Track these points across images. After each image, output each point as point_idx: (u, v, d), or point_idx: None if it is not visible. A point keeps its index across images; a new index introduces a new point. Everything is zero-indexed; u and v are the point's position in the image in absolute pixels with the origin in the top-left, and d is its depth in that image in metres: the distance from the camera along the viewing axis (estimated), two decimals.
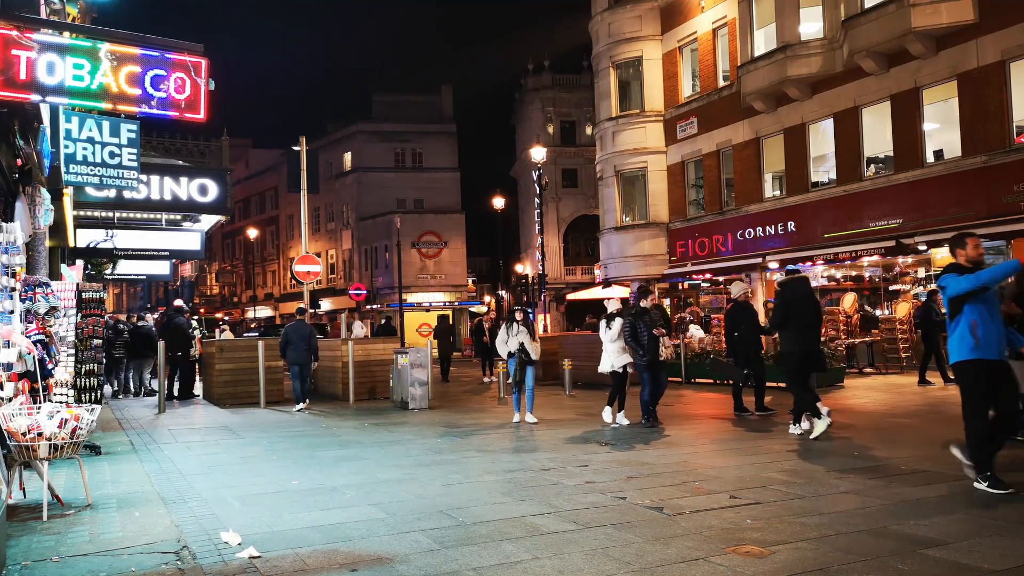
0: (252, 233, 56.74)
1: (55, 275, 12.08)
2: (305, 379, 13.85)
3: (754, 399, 11.36)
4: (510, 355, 11.07)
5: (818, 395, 9.44)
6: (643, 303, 10.66)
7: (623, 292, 28.41)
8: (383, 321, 26.57)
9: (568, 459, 8.00)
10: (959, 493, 6.14)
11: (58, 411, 6.02)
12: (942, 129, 18.45)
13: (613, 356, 10.76)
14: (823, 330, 15.51)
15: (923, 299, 16.27)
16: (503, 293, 52.18)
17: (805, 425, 9.19)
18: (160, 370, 14.43)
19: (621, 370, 10.72)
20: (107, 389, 17.87)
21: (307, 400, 13.80)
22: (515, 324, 11.05)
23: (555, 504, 6.00)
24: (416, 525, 5.47)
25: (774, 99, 21.88)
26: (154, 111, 7.48)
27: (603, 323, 10.96)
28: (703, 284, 25.27)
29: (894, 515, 5.49)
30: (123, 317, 22.43)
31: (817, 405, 8.95)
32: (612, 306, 11.15)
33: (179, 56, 7.57)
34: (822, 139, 21.34)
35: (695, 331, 18.78)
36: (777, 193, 22.77)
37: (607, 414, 10.87)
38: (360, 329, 22.88)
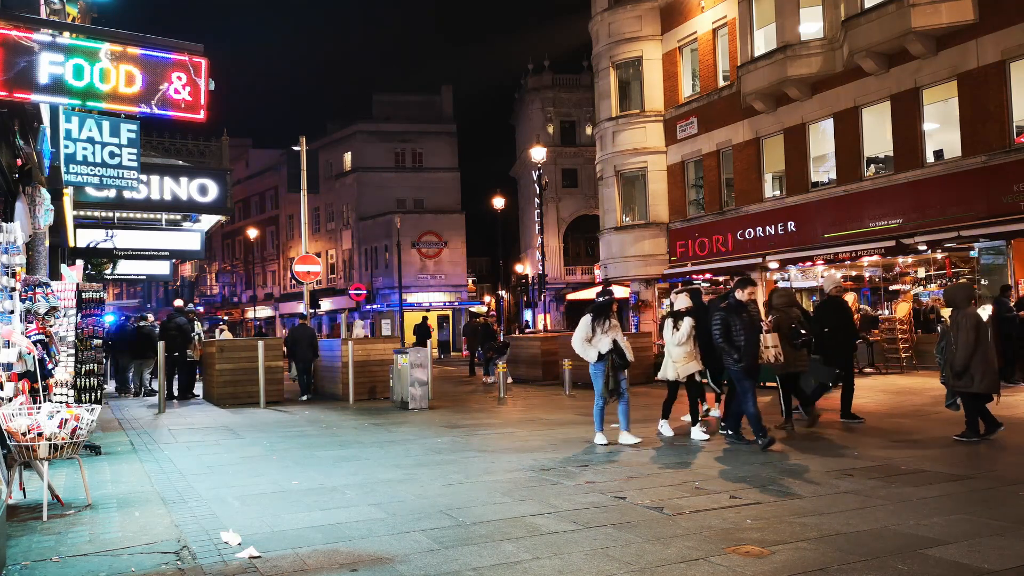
0: (252, 233, 56.74)
1: (55, 275, 12.07)
2: (309, 373, 15.74)
3: (839, 405, 10.19)
4: (600, 357, 8.90)
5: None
6: (739, 295, 8.79)
7: (623, 292, 28.42)
8: (421, 320, 26.56)
9: (568, 459, 8.00)
10: (959, 493, 6.14)
11: (58, 411, 6.02)
12: (942, 129, 18.44)
13: (680, 362, 9.22)
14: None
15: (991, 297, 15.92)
16: (503, 293, 52.19)
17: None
18: (160, 370, 14.43)
19: (686, 379, 9.33)
20: (109, 386, 17.93)
21: (311, 393, 15.47)
22: (607, 319, 8.97)
23: (555, 504, 6.00)
24: (416, 525, 5.47)
25: (774, 99, 21.87)
26: (154, 111, 7.48)
27: (667, 322, 9.46)
28: (703, 284, 25.26)
29: (894, 515, 5.49)
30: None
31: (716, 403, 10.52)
32: (681, 302, 9.44)
33: (179, 56, 7.57)
34: (822, 139, 21.34)
35: None
36: (777, 193, 22.77)
37: (665, 427, 9.45)
38: (360, 329, 22.88)
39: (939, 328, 10.01)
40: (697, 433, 9.18)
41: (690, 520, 5.46)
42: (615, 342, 8.85)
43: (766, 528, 5.22)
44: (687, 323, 9.22)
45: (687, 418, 9.66)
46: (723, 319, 8.70)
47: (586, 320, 9.06)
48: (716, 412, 10.98)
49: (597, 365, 8.92)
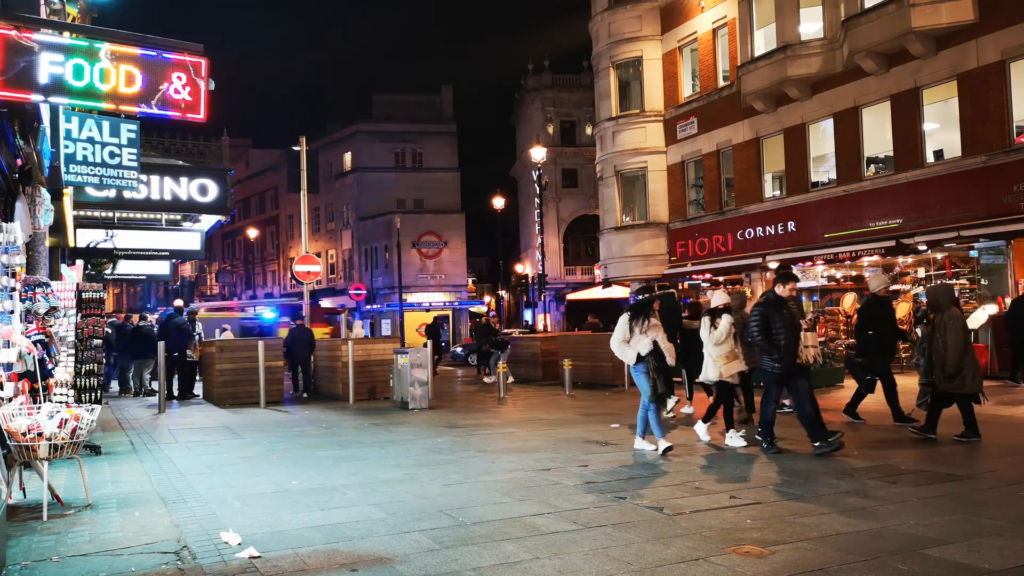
0: (252, 233, 56.76)
1: (55, 275, 12.07)
2: (308, 372, 16.44)
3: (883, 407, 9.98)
4: (639, 359, 8.26)
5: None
6: (780, 290, 8.18)
7: (623, 292, 28.41)
8: (432, 320, 26.61)
9: (568, 459, 7.99)
10: (959, 493, 6.14)
11: (58, 411, 6.02)
12: (942, 129, 18.45)
13: (720, 362, 8.69)
14: (823, 330, 16.61)
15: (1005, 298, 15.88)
16: (503, 293, 52.18)
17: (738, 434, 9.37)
18: (160, 370, 14.43)
19: (731, 379, 8.80)
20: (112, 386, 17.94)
21: (310, 392, 16.11)
22: (646, 318, 8.36)
23: (555, 504, 6.00)
24: (416, 525, 5.47)
25: (774, 99, 21.88)
26: (154, 111, 7.48)
27: (705, 320, 8.97)
28: (703, 284, 25.27)
29: (894, 515, 5.49)
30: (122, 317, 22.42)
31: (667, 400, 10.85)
32: (718, 299, 9.04)
33: (179, 56, 7.57)
34: (822, 139, 21.34)
35: None
36: (777, 193, 22.78)
37: (734, 437, 8.68)
38: (360, 329, 22.88)
39: (918, 330, 9.87)
40: (734, 439, 8.59)
41: (690, 520, 5.46)
42: (655, 343, 8.20)
43: (766, 528, 5.22)
44: (726, 320, 8.67)
45: (702, 425, 9.05)
46: (762, 315, 8.03)
47: (624, 320, 8.44)
48: (688, 409, 11.75)
49: (638, 367, 8.29)
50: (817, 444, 7.78)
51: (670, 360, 8.32)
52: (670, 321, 11.08)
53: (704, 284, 25.24)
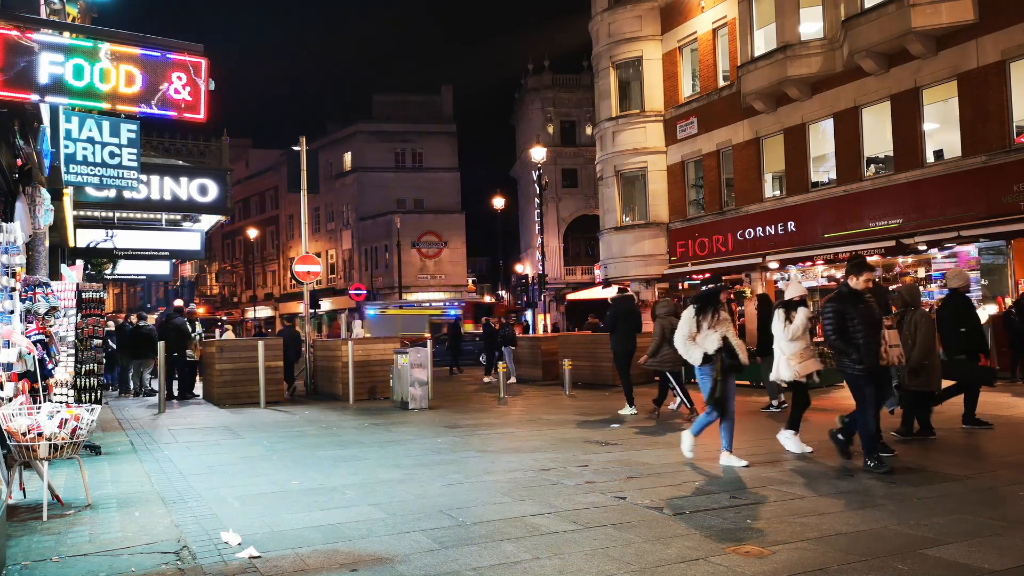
0: (252, 233, 56.77)
1: (55, 275, 12.07)
2: (291, 371, 16.80)
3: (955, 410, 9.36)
4: (706, 358, 7.52)
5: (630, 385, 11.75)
6: (854, 282, 7.27)
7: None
8: (455, 320, 26.66)
9: (568, 459, 7.99)
10: (959, 493, 6.13)
11: (58, 411, 6.02)
12: (942, 129, 18.45)
13: (795, 361, 7.90)
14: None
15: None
16: (503, 293, 52.19)
17: (672, 406, 11.65)
18: (160, 370, 14.43)
19: (806, 379, 8.04)
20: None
21: (295, 386, 16.93)
22: (715, 312, 7.63)
23: (555, 504, 6.00)
24: (416, 525, 5.47)
25: (774, 99, 21.88)
26: (154, 111, 7.48)
27: (778, 313, 8.08)
28: (703, 284, 25.27)
29: (894, 515, 5.48)
30: (123, 317, 22.42)
31: (631, 395, 11.63)
32: (792, 290, 8.23)
33: (179, 56, 7.57)
34: (822, 139, 21.34)
35: None
36: (777, 193, 22.77)
37: (791, 442, 8.03)
38: (360, 329, 22.86)
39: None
40: (795, 444, 7.98)
41: (690, 520, 5.46)
42: (725, 339, 7.46)
43: (766, 528, 5.22)
44: (802, 314, 7.85)
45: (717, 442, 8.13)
46: (836, 311, 7.15)
47: (689, 314, 7.66)
48: (674, 405, 12.02)
49: (703, 368, 7.55)
50: (870, 463, 6.98)
51: (743, 358, 7.51)
52: (630, 324, 12.21)
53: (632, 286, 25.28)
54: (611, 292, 28.62)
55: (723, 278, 23.71)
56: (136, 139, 9.91)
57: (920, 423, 8.64)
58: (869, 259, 19.26)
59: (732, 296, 8.21)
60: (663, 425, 10.60)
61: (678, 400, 12.01)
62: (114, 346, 17.53)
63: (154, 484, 7.13)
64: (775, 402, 11.76)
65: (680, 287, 26.61)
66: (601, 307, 31.38)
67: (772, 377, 8.28)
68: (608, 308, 13.14)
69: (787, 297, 8.15)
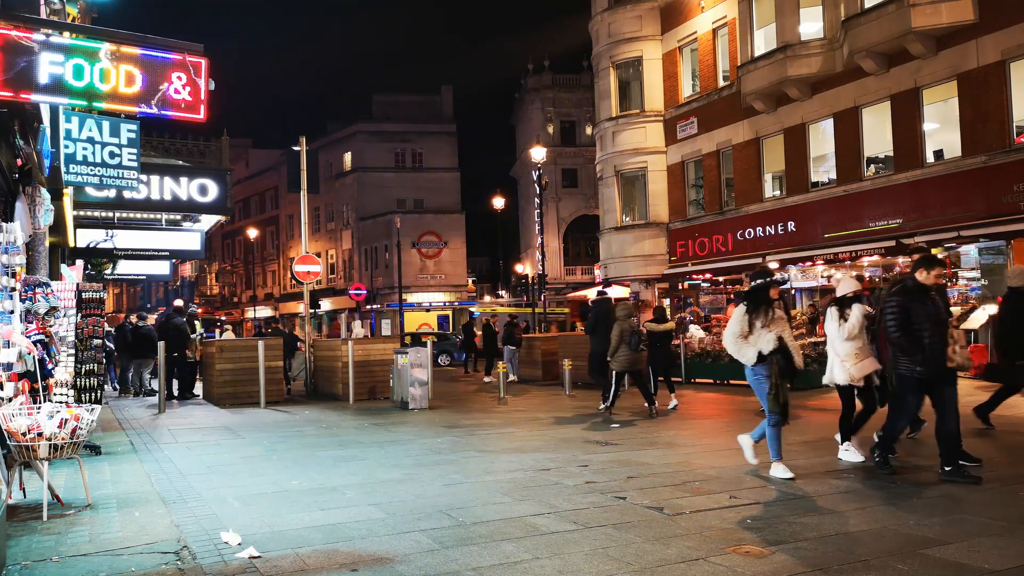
0: (252, 233, 56.77)
1: (55, 275, 12.07)
2: (287, 372, 17.35)
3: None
4: (759, 359, 6.89)
5: (610, 384, 11.93)
6: (922, 276, 6.67)
7: (623, 291, 28.37)
8: (486, 321, 22.88)
9: (568, 459, 7.99)
10: (959, 493, 6.13)
11: (58, 411, 6.02)
12: (942, 129, 18.44)
13: (850, 362, 7.33)
14: (823, 330, 16.66)
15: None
16: (503, 293, 52.20)
17: (672, 404, 12.14)
18: (160, 370, 14.43)
19: (862, 383, 7.45)
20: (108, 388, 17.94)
21: (292, 382, 17.60)
22: (769, 308, 6.98)
23: (555, 504, 6.00)
24: (416, 525, 5.47)
25: (774, 99, 21.87)
26: (154, 111, 7.48)
27: (831, 311, 7.53)
28: (703, 284, 25.27)
29: (894, 515, 5.49)
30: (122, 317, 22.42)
31: (608, 394, 11.91)
32: (846, 286, 7.61)
33: (179, 56, 7.56)
34: (822, 139, 21.34)
35: (695, 331, 18.76)
36: (777, 193, 22.77)
37: (849, 453, 7.52)
38: (360, 329, 22.87)
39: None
40: (850, 453, 7.48)
41: (690, 520, 5.46)
42: (780, 339, 6.86)
43: (766, 528, 5.22)
44: (857, 311, 7.28)
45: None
46: (900, 306, 6.58)
47: (740, 312, 7.05)
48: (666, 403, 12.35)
49: (756, 369, 6.96)
50: (948, 469, 6.50)
51: (798, 360, 6.96)
52: (609, 326, 12.31)
53: (704, 284, 25.25)
54: (611, 292, 28.70)
55: (723, 278, 23.79)
56: (136, 139, 9.91)
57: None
58: (869, 259, 19.29)
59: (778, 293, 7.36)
60: (663, 425, 10.60)
61: (673, 401, 12.35)
62: (111, 346, 17.52)
63: (154, 484, 7.13)
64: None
65: (680, 287, 26.63)
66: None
67: (825, 380, 7.75)
68: (589, 310, 13.63)
69: (839, 294, 7.56)
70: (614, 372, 11.83)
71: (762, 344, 6.82)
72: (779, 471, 6.83)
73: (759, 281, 7.07)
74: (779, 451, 6.92)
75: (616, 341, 11.58)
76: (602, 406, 11.96)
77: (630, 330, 11.50)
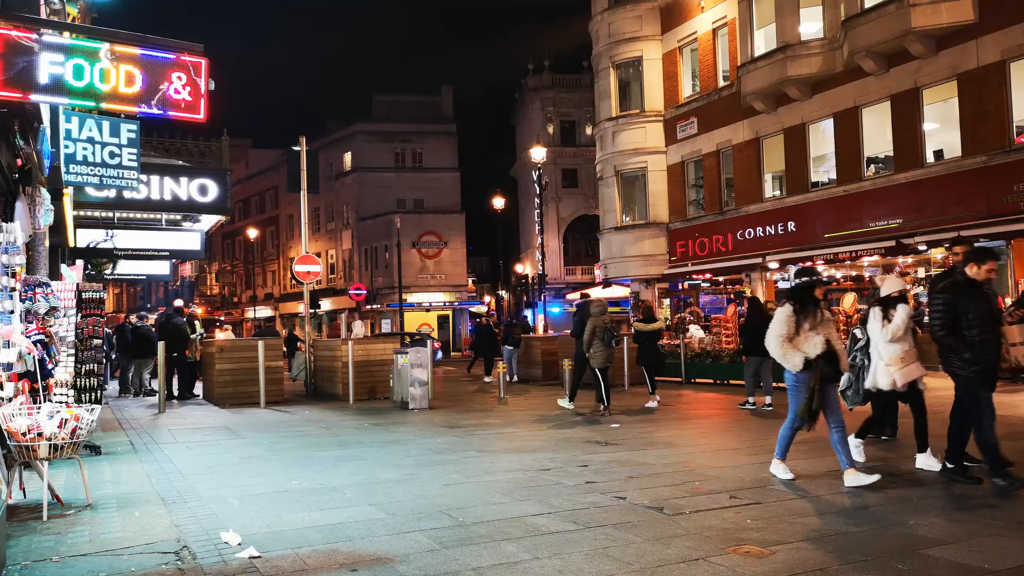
0: (252, 233, 56.76)
1: (55, 275, 12.07)
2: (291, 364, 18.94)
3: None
4: (807, 364, 6.39)
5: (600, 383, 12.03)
6: (973, 271, 6.33)
7: (623, 292, 28.39)
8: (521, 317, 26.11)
9: (568, 459, 7.99)
10: (959, 493, 6.13)
11: (58, 411, 6.01)
12: (942, 129, 18.45)
13: (895, 366, 6.93)
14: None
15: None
16: (503, 293, 52.20)
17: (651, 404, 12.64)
18: (160, 370, 14.43)
19: (905, 388, 7.05)
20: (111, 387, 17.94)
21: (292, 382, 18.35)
22: (817, 309, 6.55)
23: (555, 504, 6.00)
24: (416, 525, 5.47)
25: (774, 99, 21.88)
26: (154, 111, 7.47)
27: (875, 311, 7.13)
28: (703, 284, 25.28)
29: (894, 515, 5.49)
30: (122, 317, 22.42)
31: (576, 391, 12.73)
32: (890, 285, 7.20)
33: (179, 56, 7.56)
34: (822, 139, 21.35)
35: (695, 331, 18.78)
36: (777, 193, 22.78)
37: (927, 459, 6.97)
38: (360, 329, 22.87)
39: (857, 332, 9.20)
40: (927, 460, 6.96)
41: (690, 520, 5.46)
42: (828, 343, 6.42)
43: (766, 528, 5.22)
44: (902, 311, 6.84)
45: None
46: (947, 302, 6.23)
47: (785, 312, 6.51)
48: (652, 404, 12.67)
49: (799, 376, 6.44)
50: (1001, 482, 6.10)
51: (844, 365, 6.59)
52: (583, 327, 12.60)
53: (704, 284, 25.26)
54: (611, 292, 28.70)
55: (723, 278, 23.78)
56: (136, 139, 9.90)
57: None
58: (869, 259, 19.29)
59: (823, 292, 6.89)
60: (663, 425, 10.60)
61: (654, 400, 12.69)
62: (108, 346, 17.52)
63: (154, 484, 7.13)
64: (751, 399, 12.06)
65: (680, 287, 26.64)
66: None
67: (867, 384, 7.21)
68: (574, 312, 13.98)
69: (884, 293, 7.13)
70: (596, 370, 11.98)
71: (810, 348, 6.40)
72: (779, 470, 6.80)
73: (804, 279, 6.66)
74: (785, 451, 6.81)
75: (589, 337, 11.92)
76: (602, 407, 12.04)
77: (603, 326, 11.87)
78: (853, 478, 6.33)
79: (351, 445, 9.36)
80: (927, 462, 6.93)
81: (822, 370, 6.34)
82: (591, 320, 12.04)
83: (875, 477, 6.33)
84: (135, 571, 4.58)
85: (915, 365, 7.00)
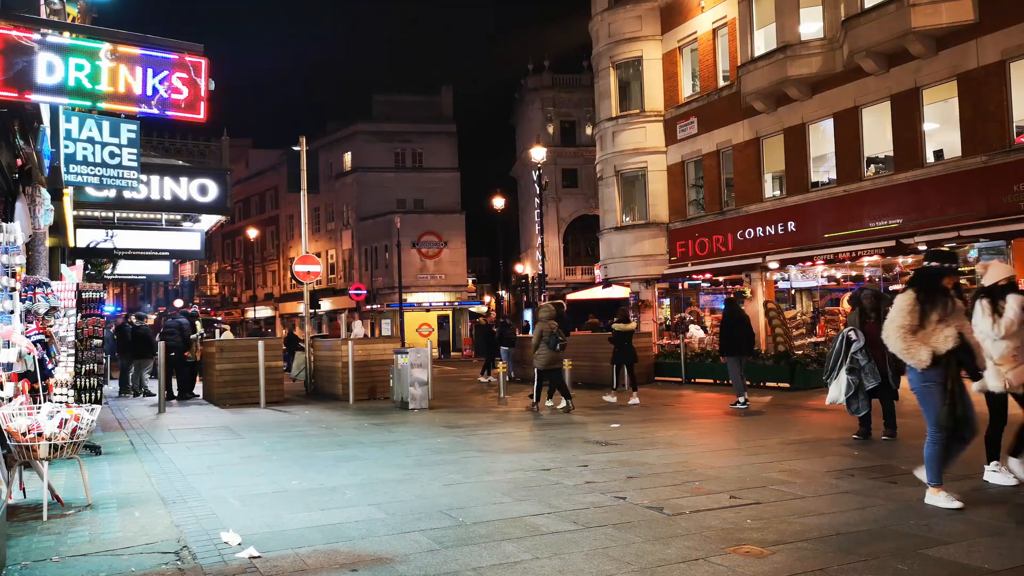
0: (252, 233, 56.75)
1: (55, 275, 12.07)
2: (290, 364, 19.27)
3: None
4: (934, 361, 5.59)
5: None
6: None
7: (623, 292, 28.38)
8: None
9: (568, 459, 7.99)
10: (959, 493, 6.13)
11: (58, 411, 6.02)
12: (942, 129, 18.44)
13: (1006, 366, 6.05)
14: (823, 330, 16.86)
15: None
16: (503, 293, 52.18)
17: (611, 398, 13.71)
18: (160, 370, 14.43)
19: (1002, 390, 6.13)
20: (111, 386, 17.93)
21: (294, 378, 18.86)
22: (946, 298, 5.71)
23: (555, 504, 6.00)
24: (416, 525, 5.47)
25: (774, 99, 21.86)
26: (154, 111, 7.48)
27: (982, 304, 6.16)
28: (703, 284, 25.27)
29: (894, 515, 5.48)
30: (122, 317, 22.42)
31: (543, 391, 12.97)
32: (994, 273, 6.26)
33: (179, 56, 7.56)
34: (822, 139, 21.33)
35: (695, 331, 18.78)
36: (777, 193, 22.76)
37: (999, 474, 6.28)
38: (360, 329, 22.87)
39: (852, 333, 8.89)
40: (999, 475, 6.31)
41: (690, 520, 5.46)
42: (961, 336, 5.61)
43: (766, 528, 5.22)
44: (1013, 303, 5.97)
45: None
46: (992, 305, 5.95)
47: (907, 300, 5.69)
48: (635, 400, 13.31)
49: (927, 374, 5.62)
50: None
51: (980, 361, 5.81)
52: (562, 325, 13.18)
53: (704, 284, 25.25)
54: (611, 292, 28.69)
55: (723, 278, 23.76)
56: (136, 139, 9.90)
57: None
58: (869, 259, 19.28)
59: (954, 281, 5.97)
60: (663, 425, 10.60)
61: (563, 401, 12.83)
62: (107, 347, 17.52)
63: (154, 484, 7.14)
64: (742, 399, 12.08)
65: (680, 287, 26.63)
66: (601, 307, 31.47)
67: (975, 387, 6.13)
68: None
69: (988, 282, 6.20)
70: (537, 369, 12.71)
71: (937, 342, 5.54)
72: (938, 499, 5.62)
73: (934, 264, 5.82)
74: (940, 474, 5.68)
75: (536, 340, 12.66)
76: (532, 402, 12.87)
77: (549, 331, 12.49)
78: (936, 498, 5.67)
79: (351, 445, 9.36)
80: (999, 476, 6.30)
81: (954, 368, 5.55)
82: (538, 324, 12.73)
83: (958, 504, 5.56)
84: (135, 571, 4.58)
85: None
